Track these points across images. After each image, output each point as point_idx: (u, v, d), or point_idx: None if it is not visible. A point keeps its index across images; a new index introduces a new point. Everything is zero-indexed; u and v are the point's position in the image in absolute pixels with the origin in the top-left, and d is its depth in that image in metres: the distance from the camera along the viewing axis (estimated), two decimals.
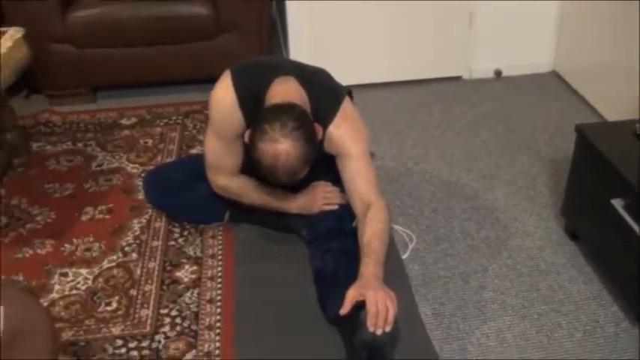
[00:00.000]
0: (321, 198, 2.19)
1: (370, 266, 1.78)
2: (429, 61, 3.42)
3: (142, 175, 2.69)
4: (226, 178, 2.17)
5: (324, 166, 2.08)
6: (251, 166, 1.96)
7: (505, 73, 3.46)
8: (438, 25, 3.31)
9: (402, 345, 1.82)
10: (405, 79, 3.43)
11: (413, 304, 2.05)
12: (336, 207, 2.16)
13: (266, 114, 1.85)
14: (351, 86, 3.20)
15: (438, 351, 1.89)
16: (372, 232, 1.88)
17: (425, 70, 3.45)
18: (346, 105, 2.03)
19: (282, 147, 1.78)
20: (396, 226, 2.37)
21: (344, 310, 1.68)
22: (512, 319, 2.01)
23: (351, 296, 1.68)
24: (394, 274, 2.14)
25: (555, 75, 3.45)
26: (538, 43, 3.42)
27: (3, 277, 2.20)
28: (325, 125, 1.98)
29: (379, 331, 1.63)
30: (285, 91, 1.95)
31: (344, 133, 1.98)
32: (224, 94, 2.03)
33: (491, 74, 3.47)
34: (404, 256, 2.25)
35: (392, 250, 2.25)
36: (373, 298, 1.65)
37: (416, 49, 3.36)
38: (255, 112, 1.92)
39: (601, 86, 3.01)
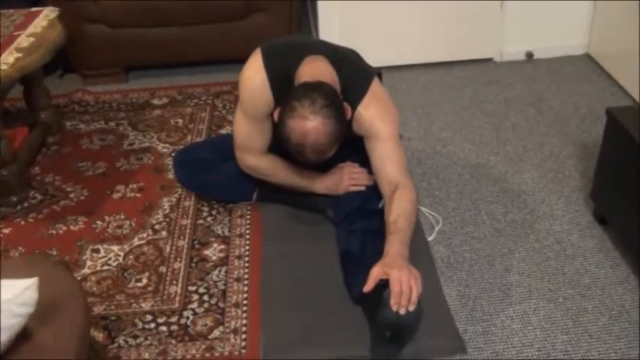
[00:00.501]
0: (347, 179, 2.21)
1: (395, 244, 1.80)
2: (460, 42, 3.39)
3: (172, 154, 2.73)
4: (254, 157, 2.19)
5: (352, 146, 2.10)
6: (279, 145, 1.99)
7: (537, 55, 3.42)
8: (470, 6, 3.27)
9: (425, 326, 1.83)
10: (436, 60, 3.41)
11: (437, 285, 2.07)
12: (362, 188, 2.18)
13: (296, 91, 1.86)
14: (381, 68, 3.21)
15: (461, 333, 1.90)
16: (398, 211, 1.89)
17: (456, 52, 3.42)
18: (376, 86, 2.04)
19: (310, 124, 1.79)
20: (423, 208, 2.37)
21: (367, 287, 1.70)
22: (538, 302, 2.01)
23: (375, 274, 1.70)
24: (419, 256, 2.16)
25: (588, 57, 3.40)
26: (571, 25, 3.35)
27: (37, 251, 2.27)
28: (354, 105, 1.99)
29: (402, 311, 1.65)
30: (315, 69, 1.96)
31: (373, 114, 1.99)
32: (254, 73, 2.04)
33: (522, 56, 3.43)
34: (429, 238, 2.26)
35: (418, 232, 2.26)
36: (397, 277, 1.67)
37: (447, 30, 3.33)
38: (285, 91, 1.93)
39: (635, 69, 2.96)
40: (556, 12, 3.30)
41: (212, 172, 2.34)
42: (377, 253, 1.95)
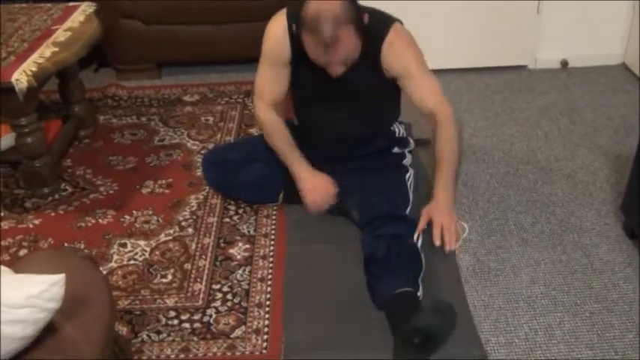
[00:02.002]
0: (317, 196, 2.28)
1: (441, 184, 2.05)
2: (495, 49, 3.36)
3: (202, 152, 2.75)
4: (264, 107, 2.25)
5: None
6: (298, 129, 2.20)
7: (572, 64, 3.37)
8: (505, 12, 3.24)
9: (450, 340, 1.84)
10: (470, 66, 3.39)
11: (462, 294, 2.06)
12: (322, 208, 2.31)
13: None
14: None
15: (484, 343, 1.89)
16: (439, 146, 2.09)
17: (490, 58, 3.39)
18: (397, 25, 2.12)
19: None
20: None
21: (419, 230, 2.03)
22: (563, 315, 1.98)
23: (426, 215, 2.02)
24: (444, 264, 2.15)
25: (625, 68, 3.34)
26: (608, 34, 3.31)
27: (65, 244, 2.30)
28: (379, 39, 2.06)
29: (445, 247, 1.96)
30: None
31: (399, 52, 2.09)
32: (277, 21, 2.13)
33: (557, 64, 3.39)
34: (455, 246, 2.24)
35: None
36: (439, 222, 1.98)
37: (481, 36, 3.30)
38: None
39: None
40: (593, 20, 3.25)
41: (239, 173, 2.36)
42: (402, 258, 1.96)
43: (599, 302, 2.03)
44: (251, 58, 3.41)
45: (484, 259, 2.21)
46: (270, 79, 2.21)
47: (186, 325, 1.98)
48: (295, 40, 2.05)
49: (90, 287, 1.23)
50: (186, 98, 3.22)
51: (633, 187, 2.21)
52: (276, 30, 2.13)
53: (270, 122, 2.26)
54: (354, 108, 2.21)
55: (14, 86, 2.21)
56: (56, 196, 2.55)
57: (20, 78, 2.22)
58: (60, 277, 1.05)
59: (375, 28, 2.04)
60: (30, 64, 2.28)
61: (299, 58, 2.08)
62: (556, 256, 2.21)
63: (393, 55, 2.08)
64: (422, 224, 2.04)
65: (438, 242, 1.96)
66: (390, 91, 2.23)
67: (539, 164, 2.66)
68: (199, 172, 2.64)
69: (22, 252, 2.29)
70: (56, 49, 2.40)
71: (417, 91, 2.12)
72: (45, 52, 2.37)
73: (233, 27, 3.26)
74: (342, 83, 2.06)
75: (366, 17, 1.99)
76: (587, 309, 2.00)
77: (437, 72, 3.31)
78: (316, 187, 2.26)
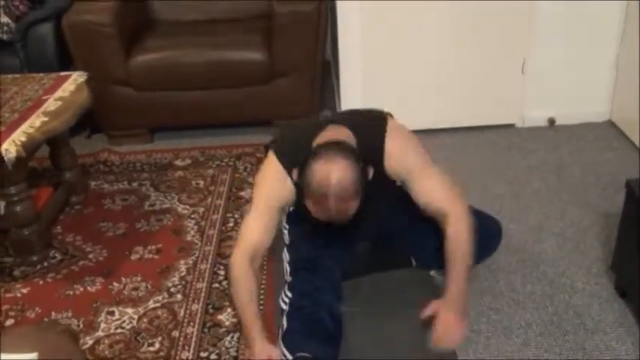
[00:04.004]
0: None
1: (453, 283, 1.92)
2: (482, 108, 3.40)
3: (192, 216, 2.76)
4: (246, 259, 1.97)
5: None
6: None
7: (559, 121, 3.42)
8: (491, 73, 3.30)
9: None
10: (457, 125, 3.42)
11: (454, 358, 2.03)
12: None
13: (317, 148, 1.89)
14: None
15: None
16: (451, 246, 1.96)
17: (477, 118, 3.43)
18: (391, 123, 2.08)
19: (336, 165, 1.82)
20: (440, 277, 2.34)
21: (423, 314, 1.90)
22: None
23: (435, 307, 1.89)
24: None
25: (611, 124, 3.38)
26: (594, 91, 3.36)
27: (52, 313, 2.28)
28: (379, 147, 2.02)
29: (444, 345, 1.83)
30: (331, 135, 1.98)
31: (398, 152, 2.02)
32: (271, 167, 2.05)
33: (544, 122, 3.43)
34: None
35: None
36: (444, 319, 1.85)
37: (468, 96, 3.35)
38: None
39: None
40: (578, 78, 3.31)
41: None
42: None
43: None
44: (242, 122, 3.48)
45: (475, 321, 2.19)
46: (257, 225, 2.02)
47: None
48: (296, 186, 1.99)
49: None
50: (178, 162, 3.25)
51: (622, 247, 2.20)
52: (273, 175, 2.03)
53: (238, 274, 1.96)
54: (373, 227, 2.16)
55: (3, 156, 2.23)
56: (45, 264, 2.54)
57: (9, 148, 2.24)
58: (32, 357, 1.04)
59: (370, 141, 2.01)
60: (19, 134, 2.30)
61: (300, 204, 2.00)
62: (547, 317, 2.18)
63: (394, 164, 2.02)
64: (427, 312, 1.89)
65: (435, 343, 1.82)
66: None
67: (529, 223, 2.66)
68: (189, 237, 2.65)
69: (9, 322, 2.27)
70: (46, 119, 2.42)
71: (423, 193, 2.01)
72: (35, 122, 2.39)
73: (223, 92, 3.32)
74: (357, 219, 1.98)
75: (370, 172, 1.94)
76: None
77: (425, 132, 3.39)
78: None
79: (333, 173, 1.81)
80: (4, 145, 2.24)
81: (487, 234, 2.34)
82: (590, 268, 2.40)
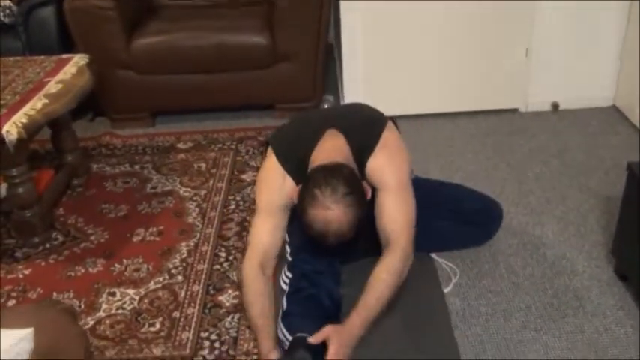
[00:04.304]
0: None
1: (356, 324, 1.81)
2: (485, 92, 3.39)
3: (193, 199, 2.77)
4: (257, 267, 1.98)
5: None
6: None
7: (563, 106, 3.40)
8: (495, 56, 3.28)
9: None
10: (461, 110, 3.41)
11: (452, 340, 2.02)
12: None
13: (315, 177, 1.85)
14: (405, 116, 3.25)
15: None
16: (374, 283, 1.87)
17: (481, 102, 3.42)
18: (386, 135, 2.04)
19: (333, 214, 1.79)
20: (440, 260, 2.35)
21: (314, 339, 1.77)
22: None
23: (326, 333, 1.77)
24: (435, 309, 2.13)
25: (615, 109, 3.36)
26: (598, 76, 3.34)
27: (54, 294, 2.30)
28: (366, 161, 2.00)
29: None
30: (328, 149, 1.98)
31: (380, 164, 1.99)
32: (272, 170, 2.04)
33: (548, 107, 3.41)
34: (446, 290, 2.23)
35: (433, 284, 2.23)
36: (334, 350, 1.73)
37: (472, 80, 3.34)
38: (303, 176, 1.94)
39: None
40: (583, 63, 3.29)
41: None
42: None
43: (591, 347, 2.00)
44: (244, 106, 3.48)
45: (474, 303, 2.19)
46: (266, 229, 2.01)
47: None
48: (296, 178, 1.99)
49: (65, 341, 1.23)
50: (180, 146, 3.25)
51: (622, 230, 2.20)
52: (273, 176, 2.02)
53: (253, 293, 1.95)
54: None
55: (4, 138, 2.24)
56: (47, 246, 2.56)
57: (11, 130, 2.24)
58: (28, 332, 1.05)
59: (363, 153, 1.99)
60: (21, 117, 2.31)
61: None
62: (547, 300, 2.19)
63: (373, 175, 1.99)
64: (318, 338, 1.78)
65: None
66: None
67: (530, 206, 2.65)
68: (190, 219, 2.65)
69: (11, 302, 2.28)
70: (47, 101, 2.43)
71: (383, 210, 1.96)
72: (36, 104, 2.40)
73: (225, 76, 3.31)
74: None
75: (368, 193, 1.92)
76: (578, 354, 1.98)
77: (429, 116, 3.40)
78: None
79: (332, 224, 1.80)
80: (6, 127, 2.25)
81: (488, 216, 2.34)
82: (591, 251, 2.39)
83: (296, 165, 2.01)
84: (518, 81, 3.35)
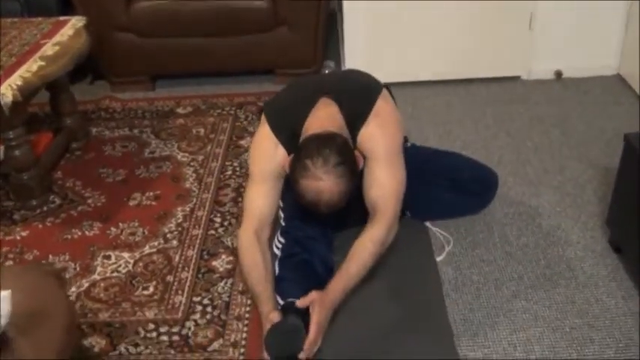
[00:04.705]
0: None
1: (338, 289, 1.85)
2: (487, 59, 3.35)
3: (191, 164, 2.77)
4: (252, 233, 1.99)
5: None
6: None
7: (566, 74, 3.35)
8: (498, 23, 3.23)
9: (426, 348, 1.83)
10: (462, 77, 3.38)
11: (443, 309, 2.04)
12: None
13: (307, 146, 1.85)
14: (405, 83, 3.22)
15: (462, 358, 1.87)
16: (357, 251, 1.90)
17: (482, 69, 3.38)
18: (380, 103, 2.03)
19: (324, 184, 1.79)
20: (434, 228, 2.35)
21: (301, 303, 1.81)
22: (543, 330, 1.96)
23: (311, 298, 1.80)
24: (427, 278, 2.14)
25: (620, 79, 3.32)
26: (602, 45, 3.29)
27: (50, 256, 2.32)
28: (359, 129, 1.99)
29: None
30: (321, 118, 1.97)
31: (371, 132, 1.99)
32: (265, 140, 2.03)
33: (551, 75, 3.37)
34: (439, 259, 2.24)
35: (426, 252, 2.25)
36: (317, 319, 1.76)
37: (474, 46, 3.29)
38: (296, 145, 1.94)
39: None
40: (587, 31, 3.24)
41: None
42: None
43: (581, 317, 2.00)
44: (244, 71, 3.46)
45: (467, 272, 2.19)
46: (259, 195, 2.02)
47: (165, 337, 1.99)
48: (289, 148, 1.98)
49: (49, 304, 1.24)
50: (179, 110, 3.24)
51: (617, 202, 2.19)
52: (266, 144, 2.02)
53: (250, 260, 1.96)
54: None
55: (0, 100, 2.24)
56: (45, 208, 2.57)
57: (6, 92, 2.24)
58: (6, 294, 1.06)
59: (355, 121, 1.98)
60: (16, 79, 2.30)
61: None
62: (540, 270, 2.19)
63: (364, 142, 1.98)
64: (304, 302, 1.80)
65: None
66: None
67: (528, 176, 2.64)
68: (187, 184, 2.66)
69: (8, 263, 2.30)
70: (43, 64, 2.42)
71: (372, 178, 1.96)
72: (32, 66, 2.39)
73: (226, 40, 3.28)
74: None
75: (360, 162, 1.93)
76: (567, 324, 1.98)
77: (429, 83, 3.36)
78: None
79: (324, 194, 1.80)
80: (1, 90, 2.24)
81: (483, 185, 2.33)
82: (587, 222, 2.39)
83: (289, 134, 2.00)
84: (521, 49, 3.30)
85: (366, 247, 1.90)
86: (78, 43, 2.63)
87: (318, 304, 1.78)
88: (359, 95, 2.05)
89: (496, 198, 2.47)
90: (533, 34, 3.24)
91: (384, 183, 1.95)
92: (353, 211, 2.01)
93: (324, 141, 1.84)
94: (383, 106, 2.03)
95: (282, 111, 2.08)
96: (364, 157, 1.98)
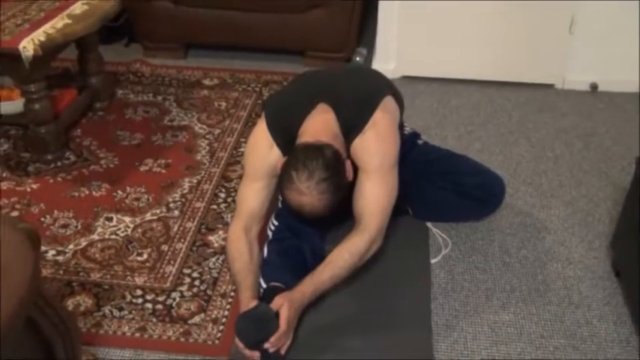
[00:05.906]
0: None
1: (308, 291, 1.85)
2: (523, 64, 3.26)
3: (207, 136, 2.79)
4: (235, 226, 2.02)
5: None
6: None
7: (602, 87, 3.26)
8: (537, 28, 3.15)
9: (403, 350, 1.82)
10: (494, 79, 3.30)
11: (427, 310, 2.02)
12: None
13: (296, 156, 1.86)
14: (434, 79, 3.15)
15: None
16: (334, 259, 1.89)
17: (517, 74, 3.29)
18: (378, 115, 1.99)
19: (306, 199, 1.81)
20: (434, 229, 2.32)
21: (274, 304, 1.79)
22: (525, 346, 1.93)
23: (280, 303, 1.78)
24: (417, 278, 2.12)
25: None
26: None
27: (55, 212, 2.36)
28: (354, 138, 1.98)
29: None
30: (317, 124, 1.97)
31: (366, 145, 1.97)
32: (261, 140, 2.04)
33: (586, 87, 3.27)
34: (433, 261, 2.21)
35: (421, 253, 2.23)
36: (285, 317, 1.76)
37: (510, 48, 3.21)
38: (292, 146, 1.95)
39: None
40: (627, 44, 3.13)
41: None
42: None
43: (567, 338, 1.96)
44: (275, 49, 3.45)
45: (459, 278, 2.16)
46: (251, 191, 2.03)
47: (149, 305, 2.02)
48: (283, 149, 1.99)
49: (12, 262, 1.26)
50: (206, 82, 3.26)
51: (622, 225, 2.12)
52: (261, 143, 2.02)
53: (235, 245, 1.98)
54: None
55: (21, 53, 2.28)
56: (59, 164, 2.63)
57: (27, 46, 2.28)
58: None
59: (352, 131, 1.98)
60: (40, 34, 2.34)
61: None
62: (534, 285, 2.14)
63: (358, 153, 1.98)
64: (276, 304, 1.79)
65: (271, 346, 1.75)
66: None
67: (541, 187, 2.58)
68: (199, 157, 2.68)
69: (14, 214, 2.37)
70: (69, 22, 2.45)
71: (360, 190, 1.95)
72: (58, 23, 2.43)
73: (260, 16, 3.28)
74: None
75: (350, 173, 1.93)
76: (552, 343, 1.94)
77: (460, 81, 3.30)
78: None
79: (305, 207, 1.83)
80: (23, 43, 2.29)
81: (487, 192, 2.29)
82: (593, 242, 2.32)
83: (285, 136, 2.00)
84: (558, 57, 3.21)
85: (342, 258, 1.90)
86: (107, 5, 2.65)
87: (286, 307, 1.77)
88: (358, 104, 2.02)
89: (503, 206, 2.42)
90: (571, 43, 3.14)
91: (372, 197, 1.94)
92: (342, 215, 2.02)
93: (313, 152, 1.84)
94: (381, 117, 1.99)
95: (280, 113, 2.07)
96: (357, 167, 1.98)
